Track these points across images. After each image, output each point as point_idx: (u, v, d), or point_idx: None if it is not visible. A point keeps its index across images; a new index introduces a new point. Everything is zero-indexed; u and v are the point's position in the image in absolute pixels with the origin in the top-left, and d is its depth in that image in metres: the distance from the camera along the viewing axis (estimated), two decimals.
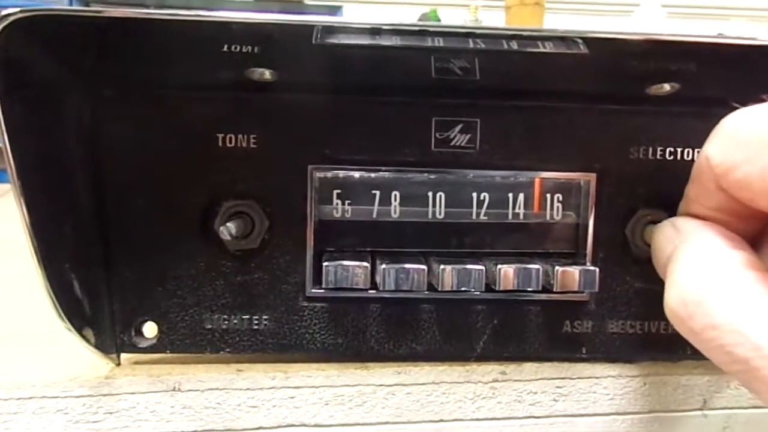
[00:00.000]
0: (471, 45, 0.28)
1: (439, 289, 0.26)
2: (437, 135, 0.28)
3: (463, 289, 0.26)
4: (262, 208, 0.28)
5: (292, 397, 0.28)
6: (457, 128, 0.28)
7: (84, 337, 0.26)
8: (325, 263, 0.26)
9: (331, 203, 0.29)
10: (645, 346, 0.30)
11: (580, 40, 0.27)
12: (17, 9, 0.21)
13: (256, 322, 0.28)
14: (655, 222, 0.29)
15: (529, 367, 0.29)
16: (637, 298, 0.29)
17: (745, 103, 0.29)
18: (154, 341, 0.28)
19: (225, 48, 0.27)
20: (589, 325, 0.29)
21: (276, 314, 0.28)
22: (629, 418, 0.30)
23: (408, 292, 0.27)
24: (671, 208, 0.29)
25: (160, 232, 0.27)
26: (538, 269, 0.26)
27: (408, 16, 2.08)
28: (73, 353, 0.28)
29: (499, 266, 0.26)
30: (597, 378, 0.30)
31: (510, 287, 0.27)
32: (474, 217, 0.29)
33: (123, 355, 0.29)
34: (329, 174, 0.28)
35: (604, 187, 0.29)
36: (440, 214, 0.29)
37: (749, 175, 0.20)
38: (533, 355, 0.29)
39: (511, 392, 0.29)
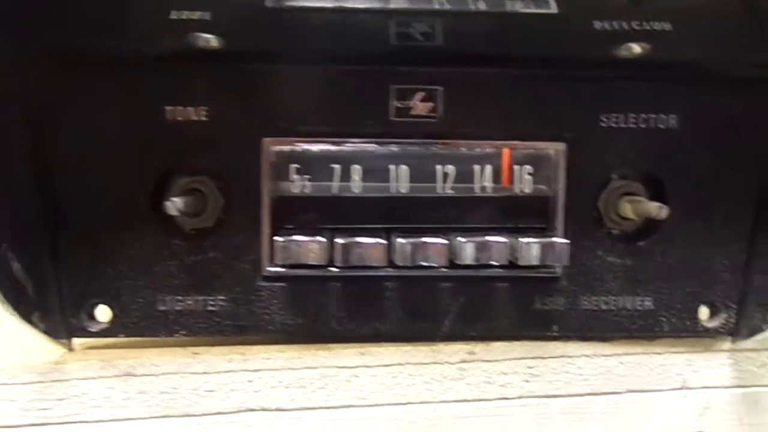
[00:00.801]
0: (436, 6, 0.27)
1: (398, 264, 0.25)
2: (396, 104, 0.26)
3: (423, 264, 0.25)
4: (216, 185, 0.27)
5: (251, 381, 0.27)
6: (418, 96, 0.26)
7: (31, 321, 0.25)
8: (275, 238, 0.25)
9: (289, 178, 0.27)
10: (620, 324, 0.28)
11: None
12: None
13: (211, 303, 0.27)
14: (630, 194, 0.28)
15: (499, 346, 0.28)
16: (610, 273, 0.28)
17: (721, 69, 0.27)
18: (107, 325, 0.27)
19: (173, 15, 0.26)
20: (561, 302, 0.28)
21: (232, 295, 0.27)
22: (605, 399, 0.29)
23: (368, 269, 0.26)
24: (646, 180, 0.28)
25: (108, 211, 0.26)
26: (504, 242, 0.25)
27: None
28: (24, 339, 0.27)
29: (459, 239, 0.25)
30: (570, 357, 0.29)
31: (473, 262, 0.25)
32: (439, 191, 0.28)
33: (75, 340, 0.27)
34: (286, 148, 0.27)
35: (574, 157, 0.27)
36: (403, 188, 0.28)
37: None
38: (502, 334, 0.28)
39: (481, 373, 0.28)
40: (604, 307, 0.28)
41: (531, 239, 0.25)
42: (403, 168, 0.27)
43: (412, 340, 0.28)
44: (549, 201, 0.28)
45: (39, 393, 0.26)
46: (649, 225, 0.28)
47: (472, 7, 0.27)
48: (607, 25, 0.27)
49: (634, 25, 0.27)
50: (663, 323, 0.29)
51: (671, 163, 0.28)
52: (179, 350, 0.27)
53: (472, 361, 0.28)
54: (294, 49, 0.26)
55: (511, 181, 0.28)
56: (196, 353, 0.27)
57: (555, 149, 0.27)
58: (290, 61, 0.26)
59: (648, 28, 0.27)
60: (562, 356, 0.29)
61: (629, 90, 0.27)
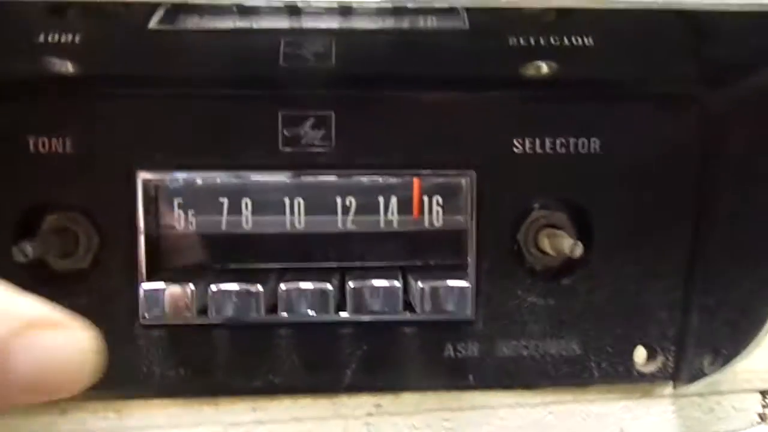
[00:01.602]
0: (334, 25, 0.24)
1: (279, 313, 0.22)
2: (284, 132, 0.24)
3: (310, 313, 0.22)
4: (90, 222, 0.24)
5: None
6: (308, 123, 0.24)
7: None
8: (143, 285, 0.22)
9: (173, 214, 0.25)
10: (544, 371, 0.25)
11: (464, 11, 0.23)
12: None
13: None
14: (553, 226, 0.26)
15: (409, 397, 0.25)
16: (531, 314, 0.25)
17: (640, 88, 0.25)
18: None
19: (40, 38, 0.23)
20: (476, 348, 0.25)
21: (107, 344, 0.24)
22: None
23: (256, 318, 0.23)
24: (570, 210, 0.26)
25: None
26: (396, 287, 0.22)
27: None
28: None
29: (350, 284, 0.22)
30: (492, 408, 0.26)
31: (369, 309, 0.23)
32: (340, 225, 0.25)
33: None
34: (163, 180, 0.24)
35: (486, 186, 0.25)
36: (299, 223, 0.25)
37: None
38: (412, 384, 0.25)
39: (390, 427, 0.25)
40: (524, 353, 0.25)
41: (424, 284, 0.23)
42: (299, 200, 0.25)
43: (311, 392, 0.25)
44: (461, 235, 0.25)
45: None
46: (574, 260, 0.25)
47: (374, 24, 0.25)
48: (523, 41, 0.24)
49: (553, 40, 0.24)
50: (593, 368, 0.26)
51: (595, 191, 0.25)
52: (45, 407, 0.24)
53: (380, 414, 0.25)
54: (169, 72, 0.24)
55: (421, 212, 0.25)
56: (65, 411, 0.24)
57: (463, 177, 0.25)
58: (165, 86, 0.24)
59: (567, 44, 0.24)
60: (483, 407, 0.26)
61: (544, 112, 0.24)
